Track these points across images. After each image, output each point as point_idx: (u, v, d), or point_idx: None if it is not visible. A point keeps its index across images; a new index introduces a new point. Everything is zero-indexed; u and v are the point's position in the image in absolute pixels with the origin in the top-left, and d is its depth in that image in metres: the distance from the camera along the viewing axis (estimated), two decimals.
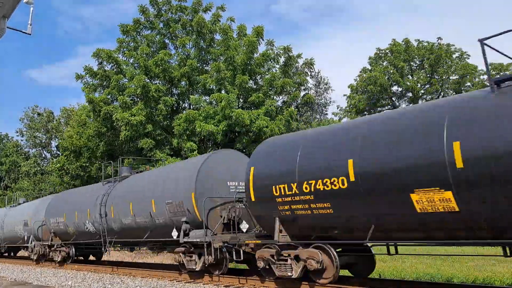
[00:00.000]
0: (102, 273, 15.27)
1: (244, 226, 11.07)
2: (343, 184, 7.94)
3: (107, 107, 24.68)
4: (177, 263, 12.44)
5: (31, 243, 20.67)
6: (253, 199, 9.77)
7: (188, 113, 23.04)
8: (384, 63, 42.48)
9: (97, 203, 15.64)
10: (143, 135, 24.14)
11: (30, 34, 10.10)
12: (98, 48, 25.80)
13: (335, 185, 8.06)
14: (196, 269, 11.56)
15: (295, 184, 8.78)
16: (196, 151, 22.56)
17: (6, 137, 63.59)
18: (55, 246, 19.15)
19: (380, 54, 43.25)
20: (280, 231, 9.30)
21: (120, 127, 24.37)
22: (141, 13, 27.43)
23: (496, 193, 6.17)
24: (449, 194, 6.63)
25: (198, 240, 10.95)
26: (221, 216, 11.24)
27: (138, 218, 13.48)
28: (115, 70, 26.21)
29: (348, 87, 45.23)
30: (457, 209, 6.63)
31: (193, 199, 11.25)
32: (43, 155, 55.68)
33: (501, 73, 37.45)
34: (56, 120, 54.23)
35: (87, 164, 30.20)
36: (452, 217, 6.75)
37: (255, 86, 25.72)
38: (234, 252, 10.52)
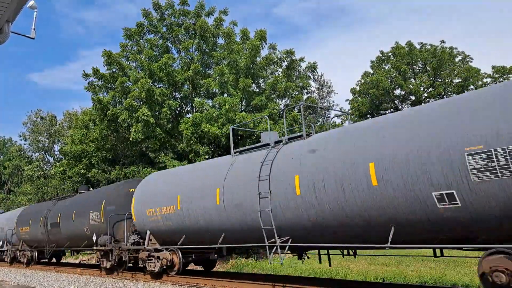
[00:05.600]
0: (105, 277, 15.24)
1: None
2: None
3: (114, 109, 24.70)
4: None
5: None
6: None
7: (195, 116, 23.07)
8: (387, 67, 42.45)
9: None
10: (151, 138, 24.22)
11: (33, 39, 10.12)
12: (105, 50, 25.92)
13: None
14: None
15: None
16: (209, 155, 22.72)
17: (10, 141, 63.82)
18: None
19: (383, 57, 43.25)
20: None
21: (126, 129, 24.35)
22: (144, 17, 27.50)
23: None
24: None
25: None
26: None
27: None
28: (120, 73, 26.22)
29: (350, 91, 45.23)
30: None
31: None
32: (46, 159, 55.76)
33: (504, 77, 37.35)
34: (59, 124, 54.38)
35: (85, 171, 30.24)
36: None
37: (257, 90, 25.70)
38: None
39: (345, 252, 9.69)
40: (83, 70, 26.75)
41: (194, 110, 25.97)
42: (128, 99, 23.94)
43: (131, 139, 24.22)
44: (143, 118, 22.94)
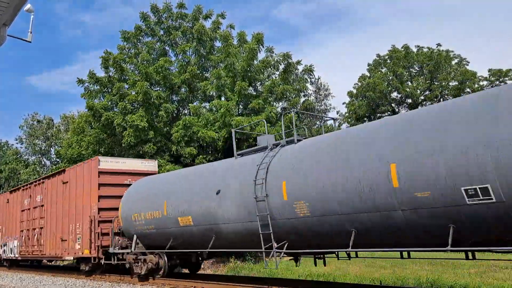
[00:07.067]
0: (101, 281, 15.19)
1: None
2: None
3: (108, 113, 24.64)
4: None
5: None
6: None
7: (185, 119, 23.09)
8: (383, 70, 42.59)
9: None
10: (145, 141, 24.15)
11: (30, 42, 10.15)
12: (107, 51, 26.06)
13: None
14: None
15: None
16: (200, 156, 22.63)
17: (6, 145, 63.58)
18: None
19: (380, 61, 43.38)
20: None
21: (121, 133, 24.32)
22: (142, 20, 27.53)
23: None
24: None
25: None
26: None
27: None
28: (117, 77, 26.17)
29: (347, 94, 45.30)
30: None
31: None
32: (43, 163, 55.58)
33: (501, 80, 37.54)
34: (56, 127, 54.24)
35: None
36: None
37: (255, 93, 25.74)
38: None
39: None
40: (77, 77, 26.83)
41: (191, 114, 25.99)
42: (121, 102, 23.89)
43: (122, 144, 24.19)
44: (133, 123, 22.91)
